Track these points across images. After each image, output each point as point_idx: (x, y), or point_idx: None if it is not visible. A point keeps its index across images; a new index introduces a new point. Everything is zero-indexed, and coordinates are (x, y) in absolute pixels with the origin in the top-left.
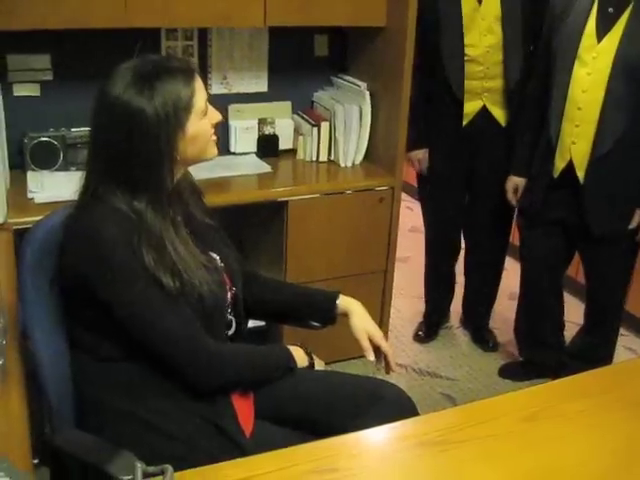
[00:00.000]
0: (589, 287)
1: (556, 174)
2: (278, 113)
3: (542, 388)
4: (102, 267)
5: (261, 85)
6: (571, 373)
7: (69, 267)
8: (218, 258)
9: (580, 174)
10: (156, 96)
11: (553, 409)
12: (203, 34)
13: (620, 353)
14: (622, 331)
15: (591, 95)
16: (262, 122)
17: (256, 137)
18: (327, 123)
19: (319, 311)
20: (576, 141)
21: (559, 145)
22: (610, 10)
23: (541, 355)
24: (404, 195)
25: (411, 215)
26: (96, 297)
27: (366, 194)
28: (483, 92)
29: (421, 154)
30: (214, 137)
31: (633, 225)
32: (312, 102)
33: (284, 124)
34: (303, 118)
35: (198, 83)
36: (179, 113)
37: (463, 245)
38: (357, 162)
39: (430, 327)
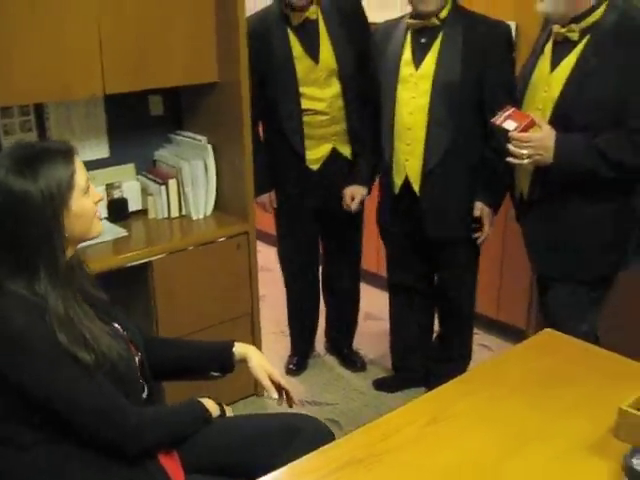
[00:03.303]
0: (441, 292)
1: (396, 190)
2: (123, 176)
3: (434, 395)
4: (19, 358)
5: (103, 151)
6: (438, 377)
7: None
8: (120, 327)
9: (416, 187)
10: (39, 178)
11: (448, 411)
12: (39, 108)
13: (476, 350)
14: (474, 330)
15: (417, 116)
16: (109, 187)
17: (105, 203)
18: (174, 180)
19: (218, 361)
20: (409, 158)
21: (395, 163)
22: (422, 40)
23: (410, 363)
24: None
25: (258, 255)
26: (11, 386)
27: (223, 243)
28: (331, 136)
29: (266, 198)
30: (98, 214)
31: (477, 213)
32: (154, 161)
33: (130, 186)
34: (148, 178)
35: (78, 163)
36: (62, 192)
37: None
38: (208, 213)
39: (299, 359)
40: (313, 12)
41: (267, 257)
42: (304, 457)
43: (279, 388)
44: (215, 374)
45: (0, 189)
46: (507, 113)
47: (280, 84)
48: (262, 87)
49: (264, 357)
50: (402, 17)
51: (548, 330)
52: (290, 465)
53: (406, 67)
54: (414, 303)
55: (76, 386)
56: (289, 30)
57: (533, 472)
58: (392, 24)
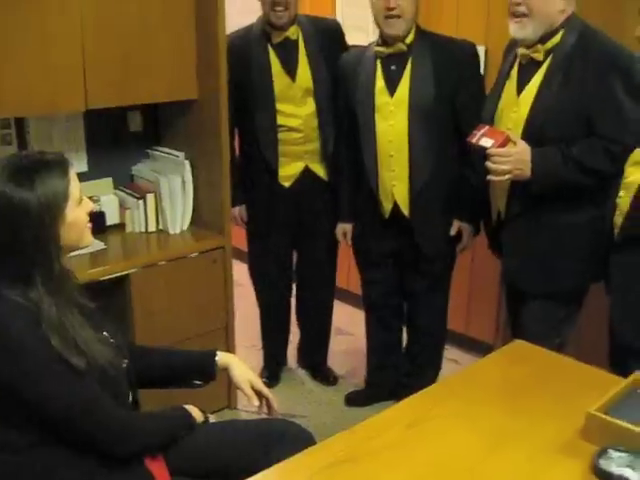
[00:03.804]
0: (415, 308)
1: (387, 215)
2: (101, 190)
3: (413, 400)
4: (15, 361)
5: (81, 165)
6: (409, 389)
7: None
8: (107, 335)
9: (405, 211)
10: (37, 187)
11: (428, 414)
12: (20, 121)
13: (444, 365)
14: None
15: (397, 143)
16: None
17: None
18: (152, 195)
19: (201, 369)
20: (395, 184)
21: (381, 190)
22: (393, 67)
23: (382, 377)
24: None
25: None
26: (6, 390)
27: (199, 257)
28: (304, 155)
29: (237, 211)
30: (89, 224)
31: (453, 232)
32: (132, 176)
33: (108, 200)
34: (126, 192)
35: (72, 174)
36: (59, 202)
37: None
38: (185, 228)
39: (271, 372)
40: (293, 32)
41: (238, 272)
42: (289, 458)
43: (260, 396)
44: (198, 382)
45: (0, 199)
46: (482, 131)
47: (258, 99)
48: (240, 100)
49: (246, 365)
50: (368, 46)
51: (518, 341)
52: (276, 466)
53: (381, 95)
54: (388, 322)
55: (69, 390)
56: (269, 47)
57: (508, 471)
58: (358, 53)
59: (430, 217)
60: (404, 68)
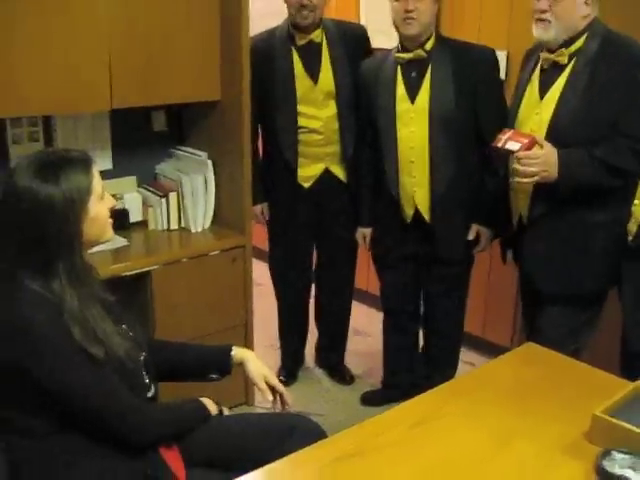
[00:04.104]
0: (433, 310)
1: (408, 220)
2: (125, 188)
3: (421, 398)
4: (36, 350)
5: (106, 163)
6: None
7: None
8: (126, 328)
9: (426, 216)
10: (62, 182)
11: (435, 413)
12: (47, 119)
13: (460, 367)
14: None
15: (419, 150)
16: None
17: None
18: (175, 193)
19: (217, 364)
20: (416, 190)
21: (402, 196)
22: (413, 74)
23: (398, 379)
24: None
25: None
26: (30, 379)
27: (220, 255)
28: (325, 157)
29: (259, 209)
30: (110, 220)
31: (471, 237)
32: (155, 174)
33: (132, 198)
34: (149, 190)
35: (95, 171)
36: (83, 197)
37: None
38: (206, 227)
39: (289, 371)
40: (317, 35)
41: (258, 272)
42: (299, 451)
43: (274, 391)
44: (214, 376)
45: (26, 194)
46: (507, 135)
47: (280, 100)
48: (263, 100)
49: (261, 361)
50: (388, 52)
51: (531, 343)
52: (286, 458)
53: (402, 102)
54: (407, 326)
55: (88, 380)
56: (293, 49)
57: (513, 470)
58: (378, 60)
59: (450, 222)
60: (424, 75)
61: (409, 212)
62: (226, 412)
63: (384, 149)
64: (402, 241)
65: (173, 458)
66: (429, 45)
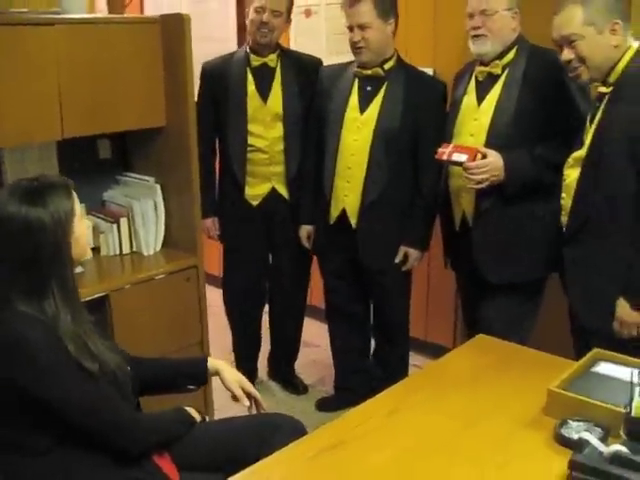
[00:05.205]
0: (377, 315)
1: (332, 221)
2: None
3: (390, 391)
4: (33, 367)
5: None
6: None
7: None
8: (112, 343)
9: (353, 221)
10: (49, 205)
11: (406, 402)
12: None
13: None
14: None
15: (358, 157)
16: None
17: None
18: (125, 218)
19: (193, 375)
20: (348, 194)
21: (333, 198)
22: (368, 88)
23: (351, 383)
24: None
25: None
26: (29, 397)
27: (174, 276)
28: (272, 176)
29: (209, 222)
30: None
31: (398, 259)
32: (103, 201)
33: None
34: (98, 217)
35: (74, 195)
36: (68, 217)
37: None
38: (158, 249)
39: None
40: (272, 60)
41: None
42: (285, 447)
43: (249, 397)
44: (191, 387)
45: (16, 219)
46: (449, 149)
47: (232, 117)
48: (217, 117)
49: (234, 370)
50: (349, 63)
51: (481, 335)
52: (274, 455)
53: (352, 111)
54: (352, 327)
55: (84, 393)
56: (248, 70)
57: (482, 446)
58: (340, 67)
59: (376, 231)
60: (378, 90)
61: (334, 213)
62: (207, 419)
63: (326, 150)
64: (335, 247)
65: (167, 464)
66: (388, 65)
